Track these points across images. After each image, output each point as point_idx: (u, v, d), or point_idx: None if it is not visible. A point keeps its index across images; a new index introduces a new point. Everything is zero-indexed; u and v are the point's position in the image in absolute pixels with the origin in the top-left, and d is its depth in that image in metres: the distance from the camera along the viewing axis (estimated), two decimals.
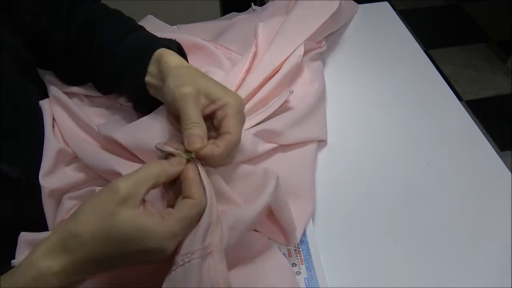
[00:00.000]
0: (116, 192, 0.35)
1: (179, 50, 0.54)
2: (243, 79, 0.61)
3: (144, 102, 0.53)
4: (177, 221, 0.37)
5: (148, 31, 0.57)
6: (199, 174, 0.41)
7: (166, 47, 0.51)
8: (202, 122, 0.43)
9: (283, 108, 0.60)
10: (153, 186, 0.38)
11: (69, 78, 0.61)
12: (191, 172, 0.40)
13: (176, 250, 0.38)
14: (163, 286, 0.38)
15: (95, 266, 0.36)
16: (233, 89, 0.60)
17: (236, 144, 0.44)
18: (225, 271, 0.39)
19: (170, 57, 0.49)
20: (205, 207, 0.39)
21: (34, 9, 0.56)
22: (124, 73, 0.53)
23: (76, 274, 0.35)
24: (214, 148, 0.42)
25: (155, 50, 0.50)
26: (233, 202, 0.45)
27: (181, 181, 0.41)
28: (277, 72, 0.62)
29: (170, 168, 0.39)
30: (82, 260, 0.35)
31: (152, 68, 0.50)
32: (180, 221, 0.37)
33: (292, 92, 0.59)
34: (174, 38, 0.55)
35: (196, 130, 0.41)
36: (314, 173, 0.57)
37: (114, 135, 0.51)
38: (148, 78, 0.50)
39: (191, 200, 0.39)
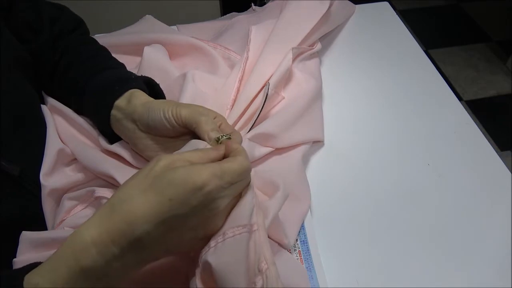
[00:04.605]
0: (155, 161, 0.36)
1: (149, 83, 0.55)
2: (238, 89, 0.61)
3: (109, 135, 0.55)
4: (217, 165, 0.37)
5: (122, 69, 0.58)
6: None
7: (135, 87, 0.52)
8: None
9: (277, 110, 0.60)
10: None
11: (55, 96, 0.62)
12: (235, 144, 0.41)
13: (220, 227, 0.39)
14: (208, 259, 0.37)
15: (141, 233, 0.33)
16: (229, 105, 0.60)
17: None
18: (270, 249, 0.39)
19: (140, 96, 0.51)
20: (247, 170, 0.39)
21: (34, 24, 0.57)
22: (91, 108, 0.55)
23: (118, 245, 0.33)
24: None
25: (125, 90, 0.51)
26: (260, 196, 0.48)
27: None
28: (269, 79, 0.61)
29: (207, 150, 0.41)
30: (128, 220, 0.33)
31: (121, 102, 0.50)
32: (220, 167, 0.37)
33: (269, 85, 0.58)
34: (168, 42, 0.56)
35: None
36: (305, 174, 0.57)
37: (114, 149, 0.53)
38: (114, 112, 0.51)
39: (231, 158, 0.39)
